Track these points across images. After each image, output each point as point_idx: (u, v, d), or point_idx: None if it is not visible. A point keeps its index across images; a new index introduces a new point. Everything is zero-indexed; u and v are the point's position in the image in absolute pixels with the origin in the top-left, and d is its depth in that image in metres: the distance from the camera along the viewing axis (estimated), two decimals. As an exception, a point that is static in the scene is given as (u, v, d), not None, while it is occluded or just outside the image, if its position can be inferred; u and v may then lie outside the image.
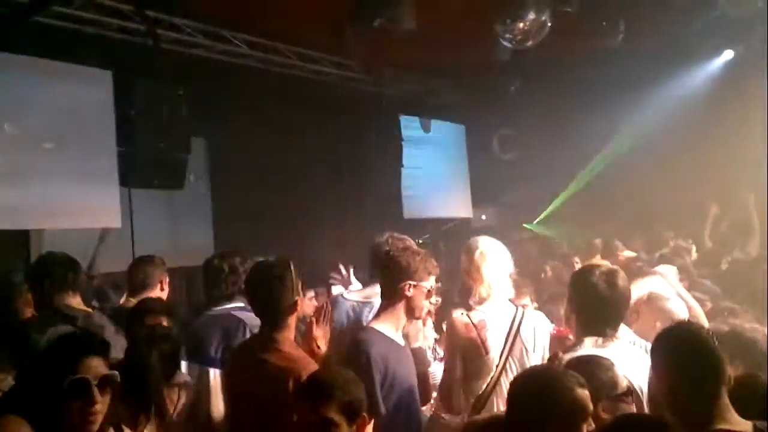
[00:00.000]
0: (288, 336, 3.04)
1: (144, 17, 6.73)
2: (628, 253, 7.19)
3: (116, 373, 2.16)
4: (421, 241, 11.38)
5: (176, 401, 2.87)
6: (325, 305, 3.28)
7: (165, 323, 3.38)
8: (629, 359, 2.67)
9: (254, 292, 3.11)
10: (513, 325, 3.32)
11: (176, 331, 3.32)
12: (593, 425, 2.23)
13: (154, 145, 6.76)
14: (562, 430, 2.16)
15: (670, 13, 7.61)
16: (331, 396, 2.34)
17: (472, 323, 3.29)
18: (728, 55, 9.50)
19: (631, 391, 2.43)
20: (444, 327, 4.17)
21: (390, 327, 3.06)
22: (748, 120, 8.43)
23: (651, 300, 3.56)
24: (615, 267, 3.13)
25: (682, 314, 3.41)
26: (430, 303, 3.19)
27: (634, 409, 2.48)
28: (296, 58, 8.51)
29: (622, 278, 2.95)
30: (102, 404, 2.09)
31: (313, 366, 2.95)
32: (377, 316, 3.12)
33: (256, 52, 8.05)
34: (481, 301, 3.40)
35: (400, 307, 3.06)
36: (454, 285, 5.78)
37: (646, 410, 2.50)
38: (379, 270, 3.15)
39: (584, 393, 2.20)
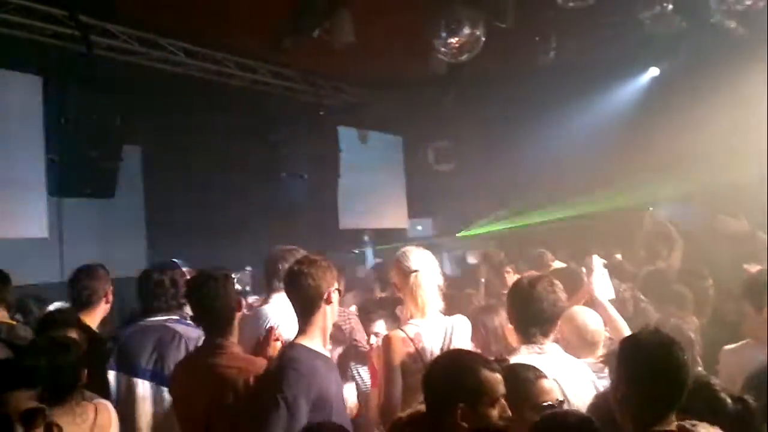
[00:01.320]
0: (233, 341, 3.10)
1: (77, 23, 6.56)
2: (558, 264, 7.37)
3: (43, 407, 2.09)
4: (357, 252, 11.46)
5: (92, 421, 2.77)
6: None
7: (74, 335, 3.25)
8: (565, 369, 2.74)
9: (198, 300, 3.11)
10: (446, 335, 3.38)
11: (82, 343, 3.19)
12: (508, 412, 2.29)
13: (84, 153, 6.58)
14: (471, 410, 2.24)
15: (599, 30, 7.89)
16: None
17: (408, 337, 3.32)
18: (654, 72, 9.90)
19: (561, 402, 2.47)
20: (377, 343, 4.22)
21: (316, 340, 3.02)
22: (674, 135, 8.79)
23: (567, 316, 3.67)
24: (551, 278, 3.25)
25: (597, 327, 3.52)
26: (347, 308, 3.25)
27: None
28: (234, 67, 8.44)
29: (558, 289, 3.06)
30: None
31: (263, 366, 2.98)
32: (300, 331, 3.05)
33: (193, 60, 7.96)
34: (413, 315, 3.43)
35: (321, 317, 3.03)
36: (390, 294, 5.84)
37: None
38: (290, 287, 3.07)
39: (493, 375, 2.29)
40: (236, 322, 3.15)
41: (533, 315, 3.04)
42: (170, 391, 3.43)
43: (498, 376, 2.31)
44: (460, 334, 3.41)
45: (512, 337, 3.18)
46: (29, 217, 6.36)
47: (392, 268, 3.60)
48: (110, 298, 4.07)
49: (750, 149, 7.95)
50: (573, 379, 2.82)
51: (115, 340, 3.83)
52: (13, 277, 5.83)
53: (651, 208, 7.14)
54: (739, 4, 6.21)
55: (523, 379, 2.48)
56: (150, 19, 7.20)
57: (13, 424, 1.97)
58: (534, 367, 2.60)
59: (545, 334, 3.01)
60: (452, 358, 2.49)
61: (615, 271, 5.39)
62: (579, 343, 3.41)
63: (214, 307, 3.07)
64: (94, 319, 3.94)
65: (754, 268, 4.24)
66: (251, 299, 4.55)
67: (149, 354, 3.66)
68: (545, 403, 2.42)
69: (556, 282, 3.14)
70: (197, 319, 3.25)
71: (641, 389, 2.17)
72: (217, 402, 2.97)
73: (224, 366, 2.99)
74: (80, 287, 4.01)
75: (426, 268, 3.47)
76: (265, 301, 3.95)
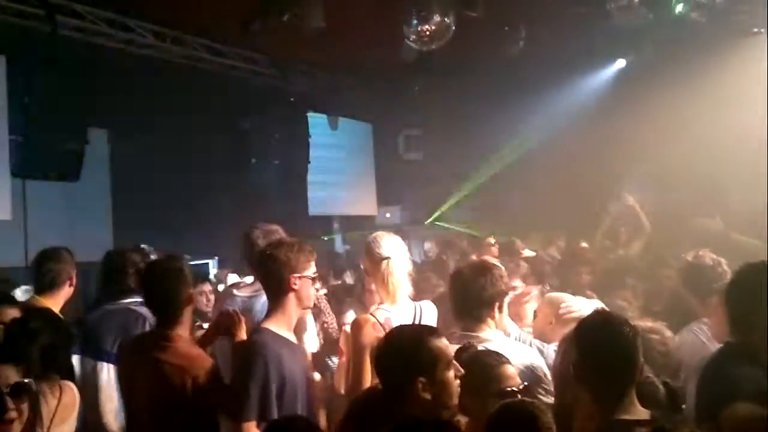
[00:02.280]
0: (182, 333, 3.04)
1: (43, 2, 6.44)
2: (528, 253, 7.47)
3: (31, 380, 2.16)
4: (326, 238, 11.48)
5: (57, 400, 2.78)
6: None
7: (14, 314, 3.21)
8: (509, 353, 2.76)
9: (150, 287, 3.10)
10: (415, 321, 3.38)
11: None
12: (461, 370, 2.35)
13: (49, 134, 6.48)
14: (429, 380, 2.29)
15: (568, 21, 7.98)
16: None
17: (378, 322, 3.30)
18: (621, 63, 10.06)
19: (526, 387, 2.48)
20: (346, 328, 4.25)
21: (283, 325, 3.00)
22: (640, 125, 8.95)
23: (547, 301, 3.69)
24: (490, 263, 3.31)
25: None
26: (316, 290, 3.22)
27: None
28: (203, 51, 8.37)
29: (495, 275, 3.11)
30: (17, 411, 2.10)
31: (209, 364, 2.95)
32: (268, 315, 3.01)
33: (162, 42, 7.87)
34: (383, 301, 3.44)
35: (290, 302, 3.00)
36: (357, 281, 5.89)
37: None
38: (260, 269, 3.06)
39: (440, 340, 2.36)
40: (187, 314, 3.08)
41: (463, 301, 3.10)
42: (117, 372, 3.41)
43: (444, 340, 2.37)
44: (428, 320, 3.44)
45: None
46: (-7, 199, 6.26)
47: (363, 253, 3.59)
48: (74, 281, 3.99)
49: (713, 139, 8.15)
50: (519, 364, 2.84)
51: (80, 324, 3.80)
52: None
53: (624, 193, 7.21)
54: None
55: (485, 365, 2.49)
56: (118, 1, 7.10)
57: (3, 396, 2.06)
58: (496, 353, 2.62)
59: (480, 320, 3.06)
60: (400, 336, 2.49)
61: (576, 258, 5.49)
62: (560, 326, 3.48)
63: (163, 296, 3.03)
64: (57, 302, 3.87)
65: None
66: (230, 278, 4.46)
67: (114, 337, 3.64)
68: (508, 389, 2.42)
69: (496, 268, 3.19)
70: (148, 306, 3.23)
71: (596, 365, 2.26)
72: (159, 400, 2.93)
73: (167, 363, 2.92)
74: (44, 270, 3.92)
75: (397, 254, 3.46)
76: (255, 289, 3.73)
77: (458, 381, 2.34)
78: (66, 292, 3.94)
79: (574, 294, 3.82)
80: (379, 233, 3.59)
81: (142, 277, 3.28)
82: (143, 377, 2.99)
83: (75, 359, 3.63)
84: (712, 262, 3.76)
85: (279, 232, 3.80)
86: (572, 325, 2.58)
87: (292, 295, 3.00)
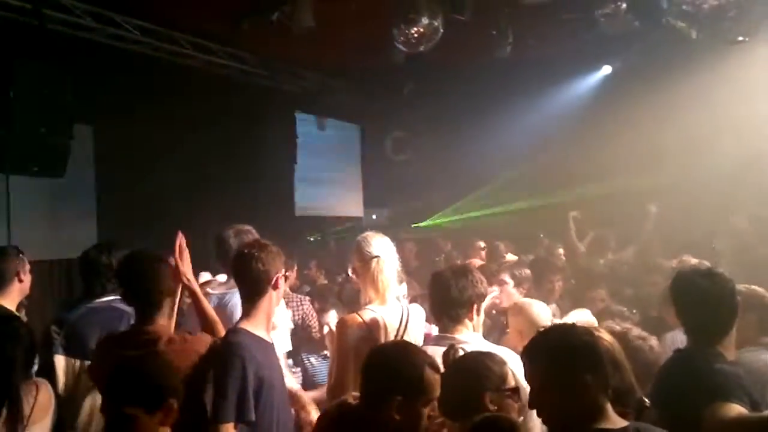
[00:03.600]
0: (160, 328, 3.01)
1: (28, -6, 6.40)
2: (511, 257, 7.52)
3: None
4: (312, 239, 11.47)
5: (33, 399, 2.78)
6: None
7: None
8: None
9: (127, 280, 3.09)
10: (402, 322, 3.40)
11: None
12: (435, 413, 2.33)
13: (33, 129, 6.41)
14: (407, 404, 2.27)
15: (555, 27, 8.04)
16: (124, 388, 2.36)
17: (364, 322, 3.32)
18: (606, 69, 10.14)
19: (516, 389, 2.47)
20: (329, 328, 4.26)
21: (260, 325, 2.99)
22: (625, 131, 9.03)
23: (516, 308, 3.75)
24: (470, 265, 3.34)
25: (547, 317, 3.60)
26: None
27: (516, 407, 2.50)
28: (191, 48, 8.34)
29: (472, 278, 3.13)
30: None
31: (189, 362, 2.92)
32: (244, 315, 3.01)
33: (149, 39, 7.83)
34: (371, 301, 3.45)
35: (267, 301, 3.00)
36: (343, 282, 5.90)
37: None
38: (239, 269, 3.03)
39: (434, 376, 2.33)
40: (167, 306, 3.07)
41: (442, 302, 3.11)
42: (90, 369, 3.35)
43: (438, 378, 2.34)
44: (415, 322, 3.45)
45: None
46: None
47: (352, 253, 3.58)
48: (23, 277, 3.88)
49: (699, 145, 8.24)
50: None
51: (60, 323, 3.74)
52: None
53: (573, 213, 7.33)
54: (688, 6, 6.38)
55: (484, 366, 2.47)
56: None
57: None
58: (491, 353, 2.62)
59: (458, 321, 3.08)
60: (398, 349, 2.49)
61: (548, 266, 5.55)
62: (532, 333, 3.51)
63: (140, 289, 3.01)
64: (11, 299, 3.80)
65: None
66: (202, 277, 4.43)
67: (99, 336, 3.60)
68: (505, 389, 2.43)
69: (473, 271, 3.21)
70: (126, 301, 3.19)
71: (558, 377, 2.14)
72: None
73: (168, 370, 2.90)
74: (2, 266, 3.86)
75: (386, 254, 3.48)
76: (230, 286, 3.76)
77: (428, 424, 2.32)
78: (17, 289, 3.86)
79: (546, 302, 3.86)
80: (369, 233, 3.60)
81: (118, 270, 3.22)
82: None
83: (60, 359, 3.60)
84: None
85: (252, 232, 3.81)
86: None
87: (272, 295, 3.01)
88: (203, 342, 3.02)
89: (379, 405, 2.31)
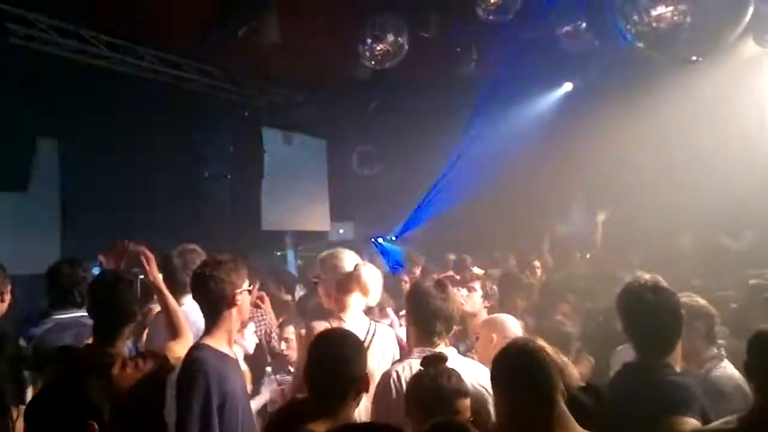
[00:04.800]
0: (118, 352, 3.03)
1: (-8, 9, 6.36)
2: (477, 270, 7.62)
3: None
4: (279, 253, 11.46)
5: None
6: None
7: None
8: (462, 369, 2.83)
9: (97, 299, 3.10)
10: (367, 337, 3.43)
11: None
12: None
13: (-5, 144, 6.38)
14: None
15: (518, 45, 8.21)
16: None
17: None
18: (567, 87, 10.37)
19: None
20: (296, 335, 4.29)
21: (222, 341, 2.99)
22: (583, 148, 9.23)
23: (488, 322, 3.83)
24: (446, 280, 3.41)
25: (517, 331, 3.64)
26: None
27: None
28: (157, 63, 8.33)
29: (450, 292, 3.20)
30: None
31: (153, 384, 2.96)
32: (207, 332, 3.00)
33: (115, 53, 7.81)
34: (341, 311, 3.50)
35: (230, 318, 3.01)
36: (309, 296, 5.91)
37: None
38: (199, 288, 3.03)
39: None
40: (128, 330, 3.12)
41: (425, 317, 3.13)
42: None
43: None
44: (381, 341, 3.49)
45: (410, 340, 3.29)
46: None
47: (320, 267, 3.63)
48: (6, 297, 3.84)
49: (656, 160, 8.48)
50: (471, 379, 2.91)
51: (27, 338, 3.71)
52: None
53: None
54: (643, 27, 6.58)
55: (442, 389, 2.54)
56: (70, 8, 7.02)
57: None
58: (457, 379, 2.64)
59: (440, 337, 3.14)
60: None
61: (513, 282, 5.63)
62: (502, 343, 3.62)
63: (106, 311, 3.05)
64: None
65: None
66: None
67: None
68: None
69: (448, 286, 3.28)
70: (92, 318, 3.16)
71: (513, 391, 2.33)
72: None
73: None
74: None
75: (365, 268, 3.56)
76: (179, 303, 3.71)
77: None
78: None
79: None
80: (339, 249, 3.69)
81: (90, 287, 3.21)
82: None
83: (27, 373, 3.55)
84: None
85: (197, 251, 3.83)
86: None
87: (232, 311, 3.01)
88: (155, 365, 3.04)
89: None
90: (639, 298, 2.89)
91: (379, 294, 3.64)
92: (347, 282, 3.52)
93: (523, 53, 8.59)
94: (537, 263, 7.67)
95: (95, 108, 7.47)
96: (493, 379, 2.42)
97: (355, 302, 3.54)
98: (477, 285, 5.10)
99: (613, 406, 2.61)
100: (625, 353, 3.57)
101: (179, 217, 8.33)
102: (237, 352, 3.34)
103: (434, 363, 2.65)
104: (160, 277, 3.34)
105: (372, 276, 3.57)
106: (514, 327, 3.64)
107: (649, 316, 2.85)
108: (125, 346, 3.19)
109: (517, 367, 2.33)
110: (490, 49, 8.12)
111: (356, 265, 3.57)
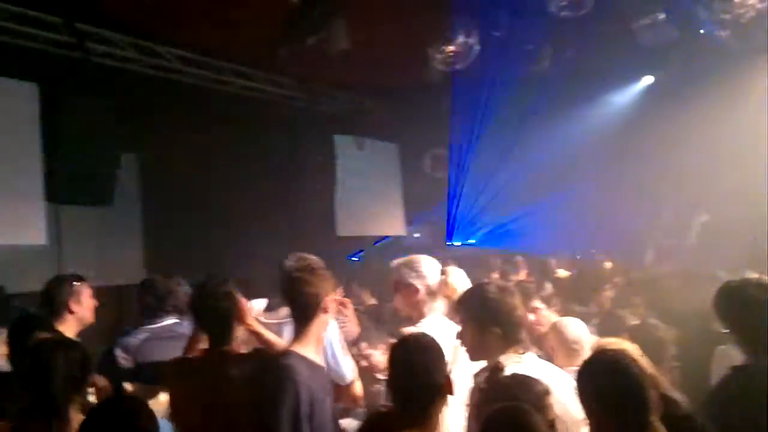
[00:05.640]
0: (235, 351, 3.09)
1: (73, 29, 6.60)
2: (562, 273, 7.43)
3: None
4: (356, 259, 11.49)
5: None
6: None
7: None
8: (547, 375, 2.72)
9: (203, 308, 3.13)
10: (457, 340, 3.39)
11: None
12: None
13: (82, 160, 6.60)
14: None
15: (594, 39, 7.96)
16: None
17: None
18: (648, 80, 10.00)
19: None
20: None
21: (311, 349, 2.99)
22: (667, 142, 8.88)
23: (556, 327, 3.78)
24: (510, 284, 3.35)
25: (580, 336, 3.60)
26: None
27: None
28: (230, 74, 8.49)
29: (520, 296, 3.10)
30: None
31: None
32: (297, 338, 3.01)
33: (189, 67, 8.01)
34: (421, 316, 3.42)
35: (318, 325, 3.01)
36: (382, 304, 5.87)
37: None
38: (290, 292, 3.05)
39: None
40: (239, 331, 3.13)
41: (515, 322, 2.97)
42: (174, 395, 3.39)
43: None
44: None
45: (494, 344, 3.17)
46: (27, 224, 6.35)
47: (398, 274, 3.55)
48: (74, 308, 3.79)
49: (740, 155, 8.04)
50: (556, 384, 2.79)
51: (125, 348, 3.80)
52: (11, 285, 5.86)
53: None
54: (726, 14, 6.28)
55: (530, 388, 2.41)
56: (145, 26, 7.24)
57: None
58: (534, 380, 2.52)
59: (523, 341, 3.02)
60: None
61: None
62: (564, 353, 3.57)
63: (218, 315, 3.07)
64: (68, 328, 3.73)
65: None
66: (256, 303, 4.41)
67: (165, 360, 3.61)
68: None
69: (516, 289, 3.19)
70: (201, 326, 3.22)
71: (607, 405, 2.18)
72: (221, 415, 2.94)
73: (229, 379, 2.97)
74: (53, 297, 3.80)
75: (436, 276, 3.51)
76: (281, 318, 3.74)
77: None
78: (71, 318, 3.79)
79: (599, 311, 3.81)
80: (416, 255, 3.61)
81: (194, 298, 3.25)
82: (205, 395, 2.99)
83: (130, 387, 3.60)
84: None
85: (311, 260, 3.81)
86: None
87: (320, 318, 3.01)
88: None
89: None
90: (750, 296, 2.73)
91: (439, 307, 3.52)
92: (435, 287, 3.46)
93: (601, 48, 8.33)
94: (608, 264, 7.46)
95: (173, 121, 7.69)
96: (579, 395, 2.29)
97: (439, 307, 3.47)
98: (537, 302, 4.89)
99: (726, 414, 2.50)
100: (724, 355, 3.39)
101: (256, 227, 8.45)
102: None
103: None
104: (254, 322, 3.28)
105: (460, 280, 3.55)
106: (576, 332, 3.63)
107: (763, 312, 2.66)
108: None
109: (603, 385, 2.19)
110: (564, 46, 7.90)
111: (444, 270, 3.54)
